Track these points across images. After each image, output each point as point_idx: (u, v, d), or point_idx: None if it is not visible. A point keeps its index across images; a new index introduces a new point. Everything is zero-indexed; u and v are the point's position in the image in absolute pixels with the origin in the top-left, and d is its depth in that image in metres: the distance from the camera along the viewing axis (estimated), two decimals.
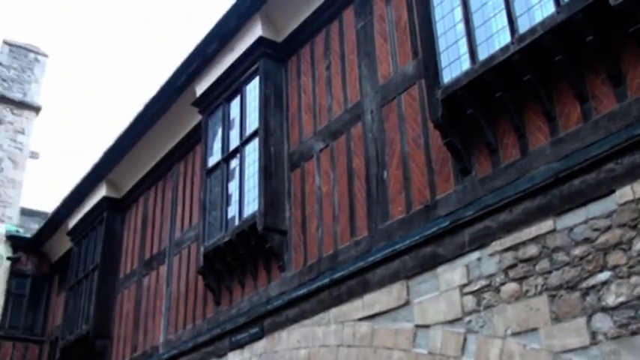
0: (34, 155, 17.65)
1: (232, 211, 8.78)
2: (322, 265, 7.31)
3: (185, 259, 10.18)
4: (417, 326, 5.92)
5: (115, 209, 12.76)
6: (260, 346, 7.90)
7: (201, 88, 9.94)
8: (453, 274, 5.70)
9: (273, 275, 8.06)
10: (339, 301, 6.93)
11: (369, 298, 6.59)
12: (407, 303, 6.09)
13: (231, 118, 9.34)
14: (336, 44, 8.01)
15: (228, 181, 9.06)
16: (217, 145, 9.48)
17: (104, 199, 12.73)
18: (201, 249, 9.05)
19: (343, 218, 7.23)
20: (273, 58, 8.82)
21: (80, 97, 48.99)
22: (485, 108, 5.65)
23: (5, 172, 16.57)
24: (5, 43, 17.80)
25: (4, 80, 17.35)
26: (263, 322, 7.93)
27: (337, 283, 6.97)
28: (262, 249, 8.09)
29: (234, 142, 9.09)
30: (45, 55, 18.35)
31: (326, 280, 7.09)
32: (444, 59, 5.98)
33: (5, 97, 17.16)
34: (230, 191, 8.97)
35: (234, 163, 9.02)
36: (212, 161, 9.49)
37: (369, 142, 7.10)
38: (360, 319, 6.62)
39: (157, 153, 11.58)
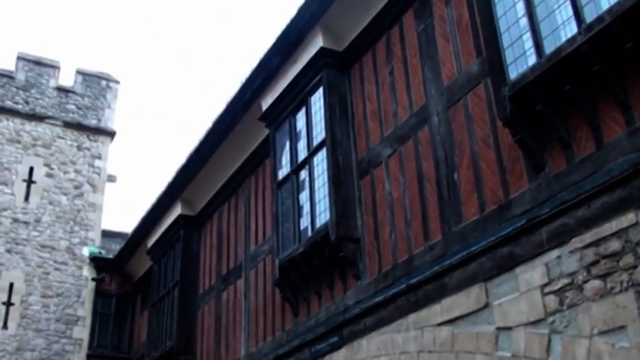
0: (111, 178, 18.32)
1: (304, 222, 8.84)
2: (398, 271, 7.27)
3: (261, 272, 10.31)
4: (499, 329, 5.81)
5: (190, 227, 13.07)
6: (340, 355, 7.90)
7: (266, 102, 10.08)
8: (532, 273, 5.57)
9: (349, 284, 8.07)
10: (416, 306, 6.87)
11: (447, 302, 6.51)
12: (486, 305, 5.99)
13: (298, 130, 9.43)
14: (397, 49, 7.98)
15: (298, 192, 9.14)
16: (286, 158, 9.58)
17: (180, 217, 13.05)
18: (276, 261, 9.15)
19: (416, 223, 7.18)
20: (336, 68, 8.86)
21: (153, 120, 50.48)
22: (555, 102, 5.51)
23: (85, 197, 17.24)
24: (78, 72, 18.58)
25: (79, 108, 18.09)
26: (342, 331, 7.94)
27: (414, 288, 6.91)
28: (336, 258, 8.11)
29: (302, 153, 9.17)
30: (116, 82, 19.05)
31: (402, 286, 7.04)
32: (508, 56, 5.88)
33: (81, 124, 17.90)
34: (301, 202, 9.04)
35: (304, 174, 9.09)
36: (282, 174, 9.60)
37: (438, 144, 7.03)
38: (440, 324, 6.55)
39: (228, 169, 11.80)
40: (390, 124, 7.88)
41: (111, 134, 18.29)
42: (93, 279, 16.44)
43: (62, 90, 18.06)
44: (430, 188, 7.06)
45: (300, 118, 9.41)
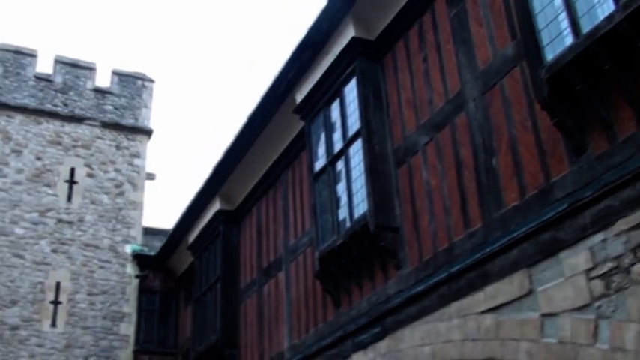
0: (150, 176, 18.57)
1: (343, 213, 8.83)
2: (438, 260, 7.22)
3: (301, 264, 10.34)
4: (544, 315, 5.73)
5: (230, 221, 13.17)
6: (383, 345, 7.89)
7: (300, 94, 10.08)
8: (576, 258, 5.47)
9: (390, 274, 8.04)
10: (459, 294, 6.81)
11: (490, 289, 6.44)
12: (530, 292, 5.91)
13: (333, 121, 9.40)
14: (430, 35, 7.90)
15: (335, 183, 9.13)
16: (322, 150, 9.57)
17: (219, 212, 13.16)
18: (316, 253, 9.16)
19: (455, 210, 7.11)
20: (369, 57, 8.81)
21: (189, 117, 50.98)
22: (594, 82, 5.39)
23: (126, 195, 17.54)
24: (114, 73, 18.88)
25: (116, 108, 18.39)
26: (384, 321, 7.92)
27: (456, 276, 6.86)
28: (376, 248, 8.09)
29: (338, 144, 9.15)
30: (151, 81, 19.30)
31: (444, 275, 6.99)
32: (544, 37, 5.76)
33: (119, 124, 18.20)
34: (339, 194, 9.03)
35: (340, 165, 9.07)
36: (318, 166, 9.59)
37: (475, 130, 6.95)
38: (483, 312, 6.48)
39: (265, 163, 11.85)
40: (426, 111, 7.81)
41: (148, 133, 18.55)
42: (136, 276, 16.72)
43: (99, 91, 18.38)
44: (468, 175, 6.99)
45: (335, 109, 9.38)
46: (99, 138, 17.82)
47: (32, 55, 18.00)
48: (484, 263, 6.50)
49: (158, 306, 16.76)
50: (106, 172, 17.53)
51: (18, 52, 17.89)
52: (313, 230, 9.50)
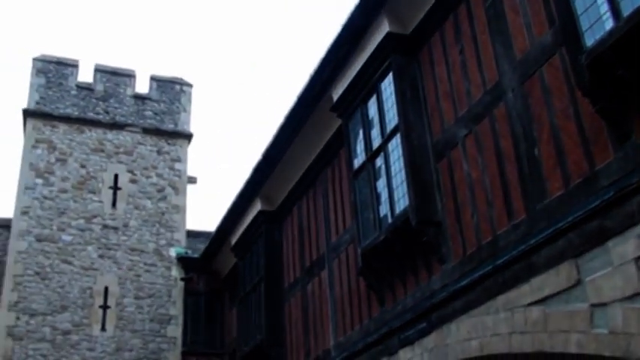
0: (192, 180, 18.80)
1: (384, 209, 8.80)
2: (482, 253, 7.14)
3: (344, 262, 10.34)
4: (593, 305, 5.62)
5: (271, 222, 13.24)
6: (429, 340, 7.84)
7: (337, 92, 10.07)
8: (625, 246, 5.35)
9: (434, 268, 7.98)
10: (505, 287, 6.72)
11: (536, 281, 6.34)
12: (578, 282, 5.80)
13: (370, 117, 9.38)
14: (466, 27, 7.82)
15: (375, 180, 9.10)
16: (360, 147, 9.56)
17: (260, 213, 13.24)
18: (358, 250, 9.16)
19: (498, 202, 7.02)
20: (404, 52, 8.76)
21: (228, 119, 51.41)
22: (637, 67, 5.26)
23: (168, 199, 17.80)
24: (153, 79, 19.16)
25: (156, 114, 18.68)
26: (430, 317, 7.87)
27: (501, 269, 6.77)
28: (419, 243, 8.05)
29: (377, 141, 9.12)
30: (189, 85, 19.56)
31: (489, 268, 6.91)
32: (583, 22, 5.65)
33: (159, 129, 18.48)
34: (379, 190, 9.00)
35: (379, 161, 9.04)
36: (357, 163, 9.58)
37: (515, 120, 6.85)
38: (530, 304, 6.39)
39: (304, 162, 11.88)
40: (464, 103, 7.73)
41: (188, 137, 18.80)
42: (181, 279, 16.96)
43: (139, 97, 18.70)
44: (510, 166, 6.90)
45: (372, 105, 9.35)
46: (140, 144, 18.12)
47: (73, 65, 18.39)
48: (529, 255, 6.41)
49: (204, 307, 16.98)
50: (148, 177, 17.81)
51: (60, 63, 18.31)
52: (355, 227, 9.50)
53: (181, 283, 16.96)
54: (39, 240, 16.25)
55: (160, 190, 17.79)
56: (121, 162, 17.72)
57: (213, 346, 16.66)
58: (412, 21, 8.70)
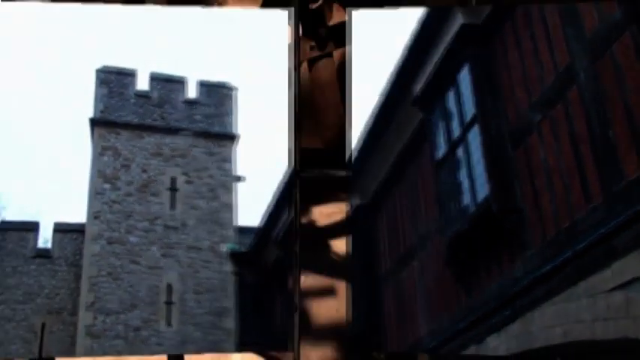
0: (240, 179, 19.47)
1: (466, 198, 8.85)
2: (562, 239, 7.06)
3: (432, 252, 10.42)
4: None
5: (366, 215, 13.42)
6: (514, 328, 7.82)
7: (417, 86, 10.18)
8: None
9: (516, 256, 7.96)
10: (586, 273, 6.62)
11: (617, 265, 6.22)
12: None
13: (450, 109, 9.44)
14: (535, 11, 7.73)
15: (457, 170, 9.17)
16: (442, 138, 9.64)
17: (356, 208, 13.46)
18: (444, 240, 9.24)
19: (575, 187, 6.93)
20: (478, 42, 8.77)
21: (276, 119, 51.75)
22: None
23: (220, 198, 18.55)
24: (201, 84, 20.04)
25: (206, 117, 19.54)
26: (514, 304, 7.84)
27: (581, 254, 6.68)
28: (500, 231, 8.05)
29: (457, 131, 9.17)
30: (235, 88, 20.29)
31: (568, 254, 6.83)
32: None
33: (209, 131, 19.39)
34: (461, 179, 9.06)
35: (460, 151, 9.09)
36: (439, 154, 9.67)
37: (588, 102, 6.74)
38: (612, 290, 6.28)
39: (390, 157, 12.01)
40: (537, 89, 7.66)
41: (235, 137, 19.49)
42: (234, 272, 17.60)
43: (189, 102, 19.59)
44: (585, 149, 6.79)
45: (451, 97, 9.41)
46: (193, 146, 18.99)
47: (131, 75, 19.49)
48: (609, 239, 6.29)
49: (255, 299, 17.36)
50: (200, 178, 18.69)
51: (120, 73, 19.42)
52: (440, 218, 9.58)
53: (234, 277, 17.56)
54: (110, 242, 17.31)
55: (212, 190, 18.60)
56: (177, 165, 18.69)
57: (264, 336, 17.05)
58: (483, 10, 8.67)
